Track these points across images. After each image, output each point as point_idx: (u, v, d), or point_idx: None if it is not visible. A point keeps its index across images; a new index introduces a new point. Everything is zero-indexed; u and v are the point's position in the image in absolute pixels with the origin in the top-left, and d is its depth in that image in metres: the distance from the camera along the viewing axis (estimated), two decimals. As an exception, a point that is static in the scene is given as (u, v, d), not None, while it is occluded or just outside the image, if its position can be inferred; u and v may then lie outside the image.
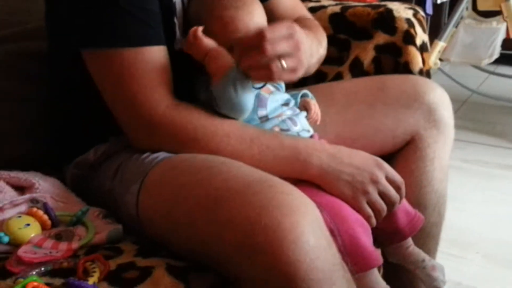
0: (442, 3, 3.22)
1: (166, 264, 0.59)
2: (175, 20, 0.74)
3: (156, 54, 0.68)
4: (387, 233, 0.78)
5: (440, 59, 2.14)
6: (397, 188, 0.73)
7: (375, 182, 0.70)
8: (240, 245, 0.54)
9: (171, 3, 0.73)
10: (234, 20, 0.72)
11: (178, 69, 0.72)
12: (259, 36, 0.62)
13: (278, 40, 0.62)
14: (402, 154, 0.90)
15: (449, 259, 1.35)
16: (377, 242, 0.79)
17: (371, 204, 0.71)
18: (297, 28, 0.65)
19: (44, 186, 0.74)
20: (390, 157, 0.90)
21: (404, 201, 0.79)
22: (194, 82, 0.76)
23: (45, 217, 0.66)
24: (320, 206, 0.67)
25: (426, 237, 0.91)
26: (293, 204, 0.55)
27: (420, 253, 0.79)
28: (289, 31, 0.64)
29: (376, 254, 0.69)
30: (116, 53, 0.66)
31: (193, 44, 0.70)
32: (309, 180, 0.70)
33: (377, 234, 0.79)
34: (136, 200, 0.67)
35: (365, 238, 0.69)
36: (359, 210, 0.70)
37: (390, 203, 0.72)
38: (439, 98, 0.90)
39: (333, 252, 0.56)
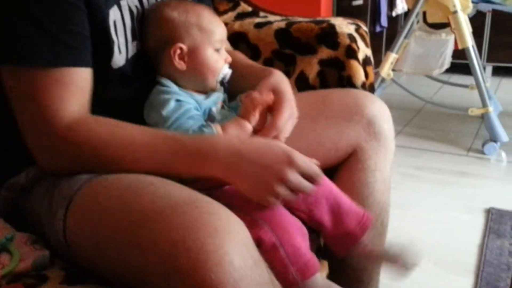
0: (397, 16, 3.32)
1: (92, 291, 0.57)
2: (114, 38, 0.72)
3: (70, 75, 0.67)
4: (339, 239, 0.78)
5: (393, 70, 2.20)
6: (312, 179, 0.69)
7: (283, 180, 0.66)
8: (163, 268, 0.53)
9: (106, 23, 0.72)
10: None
11: (117, 86, 0.72)
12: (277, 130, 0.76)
13: (286, 125, 0.77)
14: (345, 166, 0.92)
15: (401, 268, 1.37)
16: (333, 257, 0.79)
17: (281, 199, 0.68)
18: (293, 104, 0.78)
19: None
20: (333, 169, 0.92)
21: (351, 202, 0.80)
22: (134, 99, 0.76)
23: (-33, 245, 0.63)
24: (261, 219, 0.67)
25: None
26: (218, 224, 0.54)
27: (382, 245, 0.81)
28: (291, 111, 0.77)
29: (315, 261, 0.70)
30: (27, 71, 0.65)
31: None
32: (218, 179, 0.68)
33: (331, 244, 0.81)
34: (63, 226, 0.65)
35: (305, 246, 0.70)
36: (266, 205, 0.69)
37: (303, 194, 0.70)
38: (379, 111, 0.92)
39: (261, 271, 0.56)
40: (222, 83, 0.82)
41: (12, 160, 0.78)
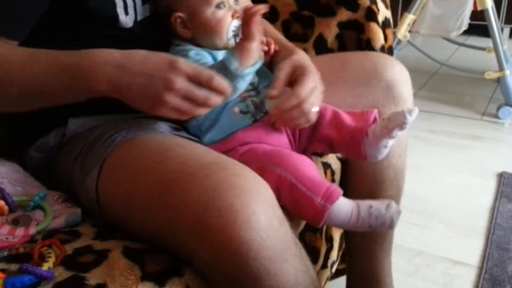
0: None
1: (123, 246, 0.60)
2: (116, 3, 0.72)
3: None
4: (348, 140, 0.77)
5: (410, 31, 2.16)
6: (207, 83, 0.63)
7: (169, 88, 0.61)
8: (193, 227, 0.55)
9: None
10: None
11: (125, 47, 0.69)
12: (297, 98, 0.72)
13: (309, 95, 0.73)
14: None
15: (412, 228, 1.40)
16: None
17: (175, 109, 0.63)
18: (317, 77, 0.75)
19: (2, 171, 0.73)
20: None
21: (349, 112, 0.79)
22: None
23: (2, 202, 0.66)
24: (273, 165, 0.69)
25: None
26: (245, 186, 0.56)
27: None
28: (315, 84, 0.75)
29: (335, 185, 0.69)
30: None
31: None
32: (104, 96, 0.64)
33: (345, 151, 0.81)
34: (95, 184, 0.68)
35: (319, 176, 0.71)
36: (163, 117, 0.66)
37: (199, 103, 0.63)
38: (398, 75, 0.91)
39: (285, 230, 0.58)
40: (235, 40, 0.77)
41: (40, 121, 0.80)
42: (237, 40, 0.76)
